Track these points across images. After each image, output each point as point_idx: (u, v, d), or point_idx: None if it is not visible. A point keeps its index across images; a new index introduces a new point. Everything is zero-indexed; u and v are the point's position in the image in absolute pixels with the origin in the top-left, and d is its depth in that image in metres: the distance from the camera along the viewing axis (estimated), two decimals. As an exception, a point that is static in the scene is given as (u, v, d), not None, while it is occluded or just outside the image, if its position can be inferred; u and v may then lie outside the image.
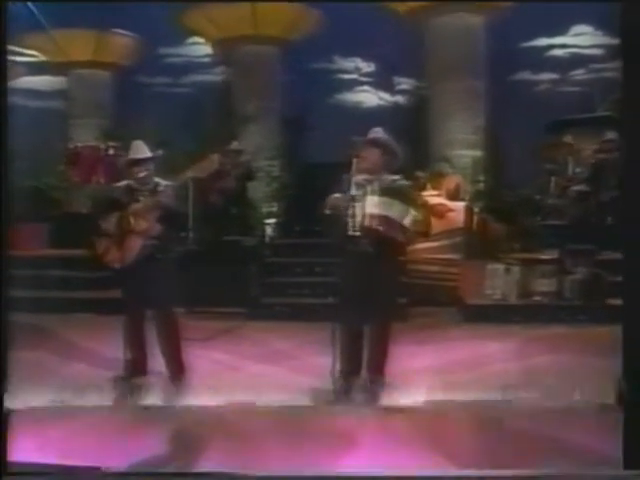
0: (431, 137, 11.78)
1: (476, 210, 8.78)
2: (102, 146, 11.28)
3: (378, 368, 4.67)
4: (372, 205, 4.44)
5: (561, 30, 13.90)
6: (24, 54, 13.71)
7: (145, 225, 4.74)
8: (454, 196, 8.87)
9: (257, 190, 10.26)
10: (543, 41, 13.94)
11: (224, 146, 9.87)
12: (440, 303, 7.75)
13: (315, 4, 12.74)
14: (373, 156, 4.59)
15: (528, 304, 7.30)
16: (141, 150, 4.90)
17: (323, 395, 4.51)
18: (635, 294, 3.12)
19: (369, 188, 4.48)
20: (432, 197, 8.49)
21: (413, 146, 11.58)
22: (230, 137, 10.87)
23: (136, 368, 4.87)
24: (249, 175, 9.76)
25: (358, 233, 4.45)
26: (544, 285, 7.34)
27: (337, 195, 4.53)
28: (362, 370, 4.66)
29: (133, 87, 13.98)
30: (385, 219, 4.44)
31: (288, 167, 11.99)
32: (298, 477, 3.35)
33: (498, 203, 9.44)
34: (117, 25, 14.00)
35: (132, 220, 4.75)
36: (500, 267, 7.46)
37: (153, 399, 4.68)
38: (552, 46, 14.00)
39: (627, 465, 3.01)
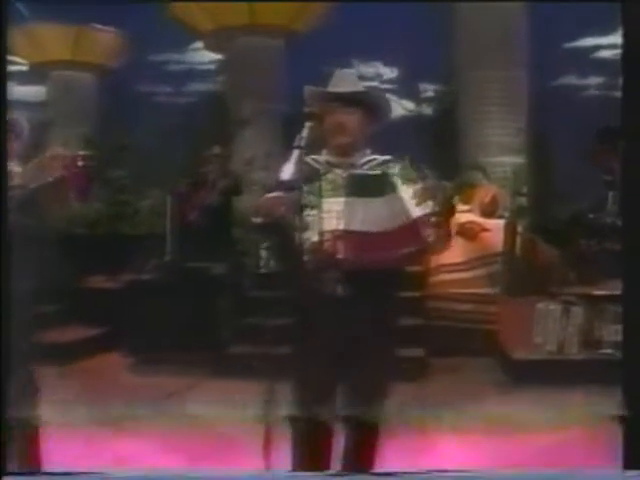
0: (460, 140, 10.03)
1: (519, 229, 7.06)
2: (71, 155, 9.80)
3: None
4: (342, 212, 2.51)
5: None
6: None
7: None
8: (490, 212, 7.27)
9: (248, 204, 8.51)
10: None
11: (205, 152, 8.31)
12: (472, 353, 6.03)
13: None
14: (350, 122, 2.67)
15: (595, 359, 5.46)
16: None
17: None
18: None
19: (336, 179, 2.56)
20: (461, 213, 6.84)
21: (438, 151, 10.00)
22: (217, 142, 9.26)
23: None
24: (236, 187, 8.09)
25: (317, 262, 2.50)
26: (618, 333, 5.38)
27: (276, 192, 2.58)
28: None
29: (119, 91, 12.53)
30: (366, 238, 2.49)
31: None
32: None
33: (548, 220, 7.76)
34: (100, 22, 12.65)
35: None
36: (555, 306, 5.77)
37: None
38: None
39: (627, 465, 2.87)
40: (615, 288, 5.68)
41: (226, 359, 5.95)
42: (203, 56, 13.28)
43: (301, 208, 2.50)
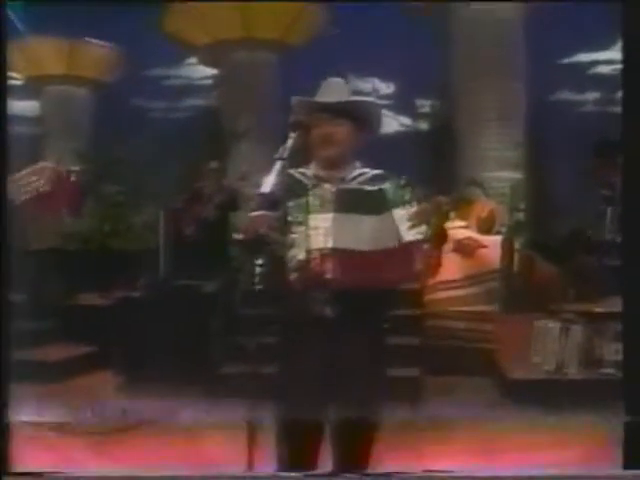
0: (457, 155, 9.89)
1: (517, 246, 6.92)
2: (63, 170, 9.78)
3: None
4: (330, 229, 2.38)
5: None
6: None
7: None
8: (487, 228, 7.08)
9: (242, 220, 8.36)
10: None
11: (202, 166, 8.19)
12: (468, 373, 5.82)
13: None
14: (338, 133, 2.56)
15: (596, 379, 5.27)
16: None
17: None
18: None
19: (324, 194, 2.44)
20: (457, 229, 6.70)
21: (435, 166, 9.87)
22: (213, 156, 9.17)
23: None
24: (232, 202, 7.96)
25: (305, 281, 2.38)
26: (618, 352, 5.22)
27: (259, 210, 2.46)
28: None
29: (113, 105, 12.39)
30: (356, 257, 2.37)
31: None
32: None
33: (546, 236, 7.58)
34: (95, 36, 12.48)
35: None
36: (553, 325, 5.55)
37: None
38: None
39: (627, 465, 2.95)
40: (615, 305, 5.55)
41: (218, 379, 5.80)
42: (198, 71, 13.14)
43: (287, 224, 2.38)
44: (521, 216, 8.74)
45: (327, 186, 2.51)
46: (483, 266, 6.45)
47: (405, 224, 2.45)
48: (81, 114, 12.93)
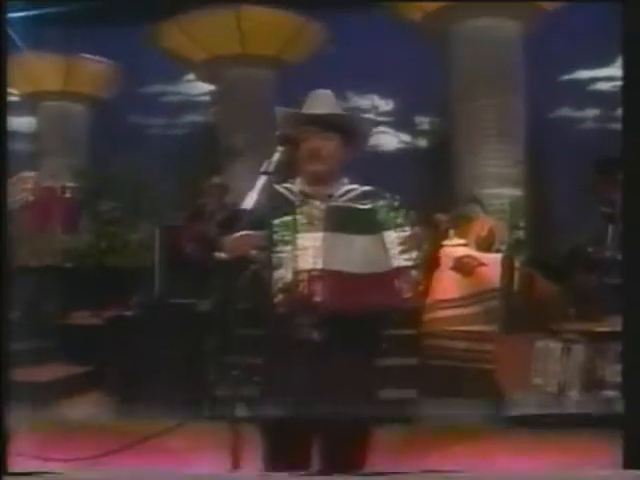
0: (457, 172, 9.82)
1: (517, 264, 6.79)
2: (58, 187, 9.74)
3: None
4: (320, 249, 2.27)
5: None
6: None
7: None
8: (487, 245, 6.96)
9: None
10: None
11: (204, 182, 8.11)
12: (467, 394, 5.66)
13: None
14: (326, 148, 2.46)
15: (597, 401, 5.14)
16: None
17: None
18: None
19: (312, 212, 2.33)
20: (456, 247, 6.55)
21: (435, 183, 9.81)
22: (211, 173, 9.13)
23: None
24: (235, 220, 7.81)
25: (292, 304, 2.27)
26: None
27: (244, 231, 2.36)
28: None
29: (110, 122, 12.34)
30: (348, 279, 2.26)
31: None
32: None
33: (546, 254, 7.47)
34: (92, 52, 12.46)
35: None
36: (555, 345, 5.44)
37: None
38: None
39: (627, 465, 2.87)
40: (617, 325, 5.44)
41: (212, 399, 5.70)
42: (195, 87, 13.14)
43: (273, 243, 2.27)
44: (521, 234, 8.66)
45: (316, 203, 2.40)
46: (483, 285, 6.26)
47: (397, 248, 2.34)
48: (78, 130, 12.90)
